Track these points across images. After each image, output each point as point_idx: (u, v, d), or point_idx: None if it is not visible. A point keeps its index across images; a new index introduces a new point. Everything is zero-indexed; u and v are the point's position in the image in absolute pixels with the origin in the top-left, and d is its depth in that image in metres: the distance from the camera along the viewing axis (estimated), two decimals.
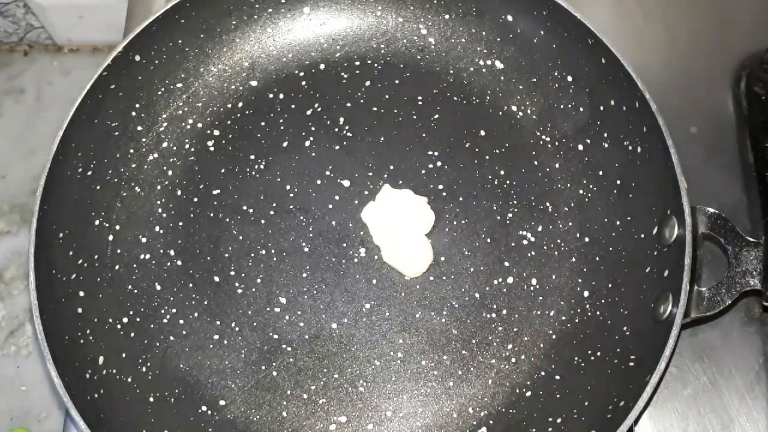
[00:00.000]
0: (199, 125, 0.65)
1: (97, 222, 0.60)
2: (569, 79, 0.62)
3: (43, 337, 0.51)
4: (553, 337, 0.57)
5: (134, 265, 0.60)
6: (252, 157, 0.63)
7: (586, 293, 0.58)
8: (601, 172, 0.61)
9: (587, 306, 0.58)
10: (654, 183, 0.56)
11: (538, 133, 0.63)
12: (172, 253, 0.61)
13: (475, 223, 0.61)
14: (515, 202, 0.61)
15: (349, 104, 0.65)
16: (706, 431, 0.56)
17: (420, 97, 0.65)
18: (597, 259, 0.59)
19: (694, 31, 0.69)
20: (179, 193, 0.62)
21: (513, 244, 0.60)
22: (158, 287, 0.59)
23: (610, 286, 0.58)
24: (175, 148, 0.64)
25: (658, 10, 0.70)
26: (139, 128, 0.63)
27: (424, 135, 0.64)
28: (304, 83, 0.66)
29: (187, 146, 0.64)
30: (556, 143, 0.63)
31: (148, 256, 0.60)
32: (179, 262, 0.60)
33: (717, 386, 0.57)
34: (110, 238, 0.60)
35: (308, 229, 0.61)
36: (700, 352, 0.58)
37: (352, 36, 0.67)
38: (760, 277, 0.52)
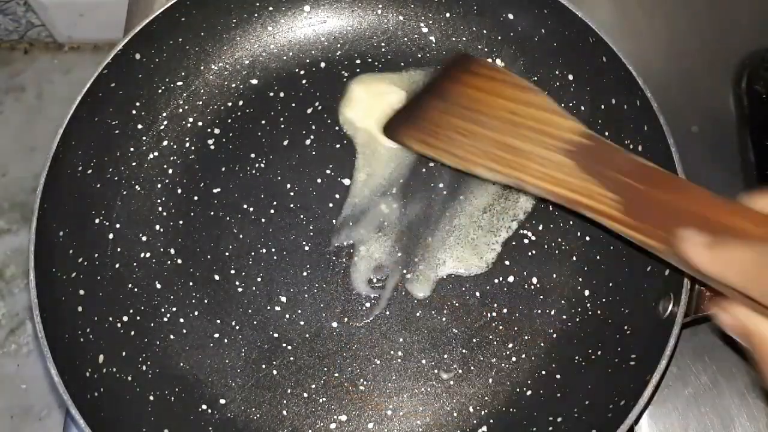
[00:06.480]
0: (200, 123, 0.65)
1: (97, 220, 0.60)
2: (570, 77, 0.62)
3: (43, 336, 0.51)
4: (554, 335, 0.57)
5: (134, 264, 0.60)
6: (252, 155, 0.63)
7: (586, 292, 0.58)
8: None
9: (588, 305, 0.58)
10: None
11: None
12: (172, 251, 0.60)
13: None
14: None
15: None
16: (706, 430, 0.56)
17: None
18: (598, 258, 0.59)
19: (695, 30, 0.69)
20: (179, 191, 0.62)
21: (513, 243, 0.60)
22: (158, 286, 0.59)
23: (610, 285, 0.57)
24: (175, 146, 0.64)
25: (659, 9, 0.70)
26: (140, 126, 0.63)
27: None
28: (304, 81, 0.66)
29: (187, 145, 0.64)
30: None
31: (148, 255, 0.60)
32: (179, 261, 0.60)
33: (718, 385, 0.57)
34: (110, 236, 0.60)
35: (309, 228, 0.61)
36: (701, 351, 0.58)
37: (352, 34, 0.67)
38: None
